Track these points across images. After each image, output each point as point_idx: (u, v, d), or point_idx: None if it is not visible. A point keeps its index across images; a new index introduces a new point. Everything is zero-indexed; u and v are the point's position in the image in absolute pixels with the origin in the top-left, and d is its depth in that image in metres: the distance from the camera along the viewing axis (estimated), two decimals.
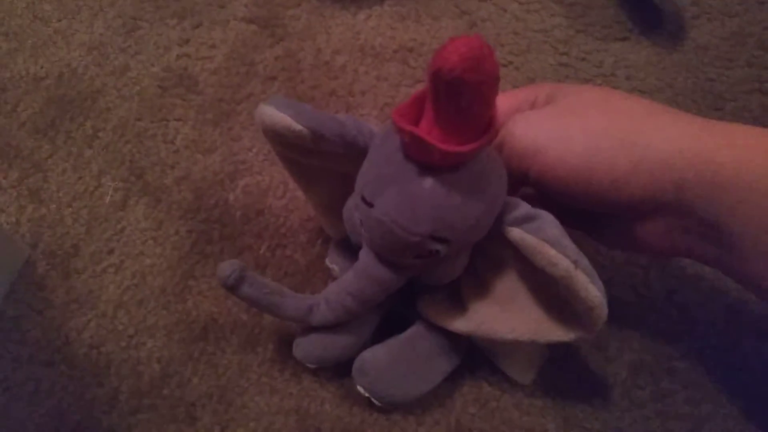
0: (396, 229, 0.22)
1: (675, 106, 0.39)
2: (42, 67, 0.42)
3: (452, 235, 0.23)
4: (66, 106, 0.41)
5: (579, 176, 0.24)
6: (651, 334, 0.33)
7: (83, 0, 0.45)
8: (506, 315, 0.26)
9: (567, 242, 0.23)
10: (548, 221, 0.23)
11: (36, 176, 0.39)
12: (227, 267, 0.27)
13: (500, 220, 0.24)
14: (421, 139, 0.20)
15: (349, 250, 0.31)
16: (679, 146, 0.23)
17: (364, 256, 0.26)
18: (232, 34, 0.43)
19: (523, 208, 0.24)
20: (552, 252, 0.23)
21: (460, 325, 0.28)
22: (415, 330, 0.30)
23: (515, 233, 0.24)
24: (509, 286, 0.27)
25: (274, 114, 0.25)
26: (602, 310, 0.23)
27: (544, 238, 0.23)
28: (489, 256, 0.27)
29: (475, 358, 0.32)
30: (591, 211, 0.26)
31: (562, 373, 0.32)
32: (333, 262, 0.33)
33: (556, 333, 0.25)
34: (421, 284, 0.29)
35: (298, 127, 0.24)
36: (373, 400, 0.30)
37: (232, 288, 0.27)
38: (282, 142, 0.26)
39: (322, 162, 0.28)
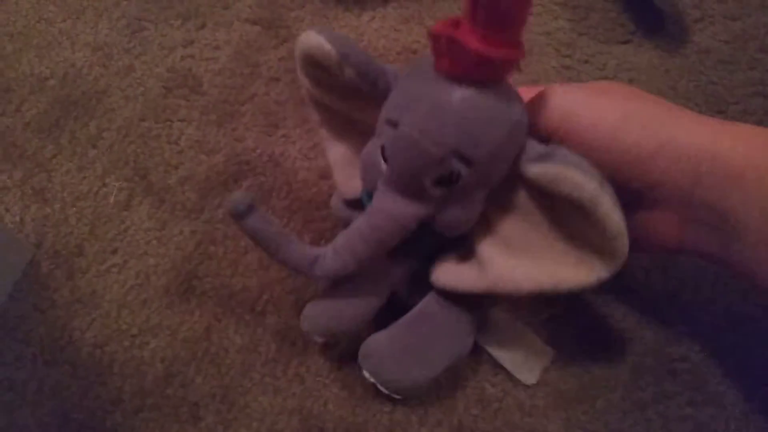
0: (422, 141, 0.23)
1: None
2: (47, 68, 0.43)
3: (476, 155, 0.23)
4: (70, 106, 0.41)
5: (607, 145, 0.25)
6: (653, 336, 0.33)
7: (88, 1, 0.45)
8: (524, 264, 0.26)
9: (589, 167, 0.23)
10: (566, 152, 0.23)
11: (40, 176, 0.39)
12: (238, 195, 0.26)
13: (518, 161, 0.24)
14: (458, 41, 0.20)
15: (359, 208, 0.31)
16: (699, 138, 0.24)
17: (380, 194, 0.26)
18: (236, 35, 0.43)
19: (540, 147, 0.24)
20: (578, 174, 0.22)
21: (478, 283, 0.27)
22: (422, 307, 0.30)
23: (535, 168, 0.24)
24: (525, 233, 0.26)
25: (311, 35, 0.26)
26: (625, 239, 0.23)
27: (567, 163, 0.23)
28: (503, 205, 0.26)
29: (478, 358, 0.33)
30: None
31: (565, 374, 0.33)
32: (341, 211, 0.33)
33: (577, 276, 0.24)
34: (429, 262, 0.29)
35: (328, 46, 0.25)
36: (379, 386, 0.29)
37: (241, 216, 0.26)
38: (313, 73, 0.27)
39: (350, 107, 0.29)
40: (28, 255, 0.36)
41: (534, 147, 0.24)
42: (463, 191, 0.24)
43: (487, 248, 0.27)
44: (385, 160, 0.25)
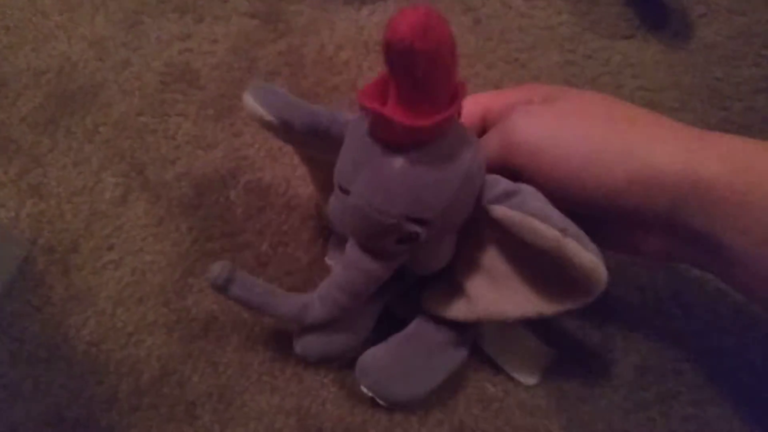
0: (372, 212, 0.22)
1: (681, 105, 0.39)
2: (43, 62, 0.42)
3: (429, 215, 0.22)
4: (66, 100, 0.41)
5: (574, 182, 0.24)
6: (656, 336, 0.33)
7: None
8: (509, 295, 0.26)
9: (551, 212, 0.22)
10: (530, 194, 0.23)
11: (36, 171, 0.38)
12: (216, 267, 0.27)
13: (482, 200, 0.24)
14: (384, 117, 0.20)
15: None
16: (675, 160, 0.23)
17: (350, 248, 0.26)
18: (234, 29, 0.43)
19: (503, 184, 0.24)
20: (537, 224, 0.22)
21: (467, 314, 0.27)
22: (416, 326, 0.30)
23: (498, 211, 0.23)
24: (505, 265, 0.26)
25: (249, 102, 0.25)
26: (599, 273, 0.22)
27: (528, 212, 0.22)
28: (478, 238, 0.26)
29: (479, 358, 0.32)
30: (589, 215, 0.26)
31: (567, 374, 0.32)
32: (332, 258, 0.33)
33: (561, 303, 0.25)
34: (421, 281, 0.29)
35: (268, 117, 0.25)
36: (377, 400, 0.29)
37: (221, 289, 0.27)
38: (268, 128, 0.27)
39: (311, 151, 0.28)
40: (23, 251, 0.36)
41: (497, 183, 0.24)
42: (428, 241, 0.24)
43: (472, 283, 0.27)
44: None
